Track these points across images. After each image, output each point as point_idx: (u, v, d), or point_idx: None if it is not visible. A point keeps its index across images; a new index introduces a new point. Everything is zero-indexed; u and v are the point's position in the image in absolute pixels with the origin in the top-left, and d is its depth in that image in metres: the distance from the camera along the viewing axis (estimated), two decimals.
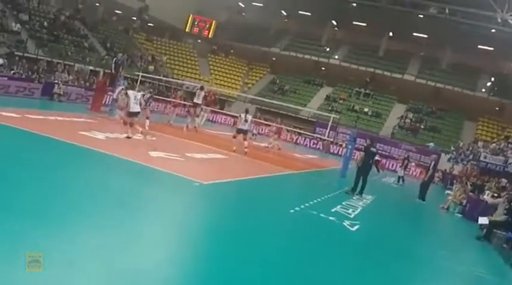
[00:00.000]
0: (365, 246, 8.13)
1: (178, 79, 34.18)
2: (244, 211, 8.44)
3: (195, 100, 19.29)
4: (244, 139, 16.23)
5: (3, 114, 12.21)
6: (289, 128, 27.69)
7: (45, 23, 27.96)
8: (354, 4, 35.83)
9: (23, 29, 25.69)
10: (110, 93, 19.34)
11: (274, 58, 42.26)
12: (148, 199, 7.52)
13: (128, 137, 12.56)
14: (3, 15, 25.22)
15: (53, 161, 8.50)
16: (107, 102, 19.79)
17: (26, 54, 23.83)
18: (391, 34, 38.98)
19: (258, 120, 25.95)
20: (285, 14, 42.09)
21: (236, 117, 19.63)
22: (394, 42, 39.24)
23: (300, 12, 40.55)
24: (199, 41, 43.07)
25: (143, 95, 14.21)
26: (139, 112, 13.37)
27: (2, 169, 7.00)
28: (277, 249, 6.53)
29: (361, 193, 12.57)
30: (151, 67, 33.26)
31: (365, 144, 14.59)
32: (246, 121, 16.27)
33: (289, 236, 7.46)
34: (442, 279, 7.55)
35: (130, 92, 13.38)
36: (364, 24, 39.50)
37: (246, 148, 15.83)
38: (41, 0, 29.95)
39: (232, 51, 43.32)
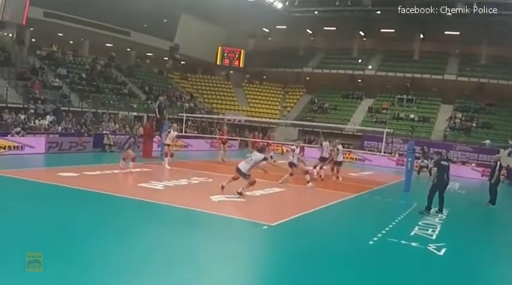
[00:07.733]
0: (460, 273, 7.39)
1: (219, 113, 34.27)
2: (323, 251, 7.83)
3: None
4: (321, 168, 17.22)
5: (63, 174, 12.42)
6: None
7: (83, 75, 28.62)
8: (378, 12, 35.14)
9: (64, 83, 26.22)
10: (158, 137, 19.63)
11: (307, 78, 41.96)
12: (222, 253, 7.26)
13: None
14: (42, 72, 25.81)
15: (122, 221, 8.42)
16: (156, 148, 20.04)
17: (71, 108, 24.31)
18: (421, 36, 37.99)
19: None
20: (310, 32, 41.90)
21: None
22: (428, 44, 38.45)
23: (325, 28, 40.31)
24: (231, 71, 43.36)
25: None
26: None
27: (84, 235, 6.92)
28: None
29: (441, 210, 11.84)
30: (189, 105, 33.55)
31: (432, 160, 13.98)
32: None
33: (379, 273, 6.81)
34: None
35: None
36: (393, 30, 38.79)
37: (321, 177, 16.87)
38: (75, 53, 30.87)
39: (264, 77, 43.19)
